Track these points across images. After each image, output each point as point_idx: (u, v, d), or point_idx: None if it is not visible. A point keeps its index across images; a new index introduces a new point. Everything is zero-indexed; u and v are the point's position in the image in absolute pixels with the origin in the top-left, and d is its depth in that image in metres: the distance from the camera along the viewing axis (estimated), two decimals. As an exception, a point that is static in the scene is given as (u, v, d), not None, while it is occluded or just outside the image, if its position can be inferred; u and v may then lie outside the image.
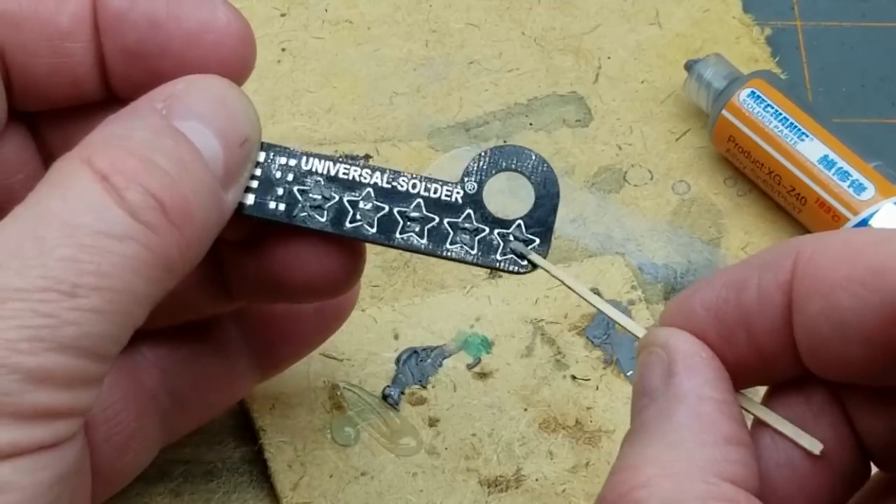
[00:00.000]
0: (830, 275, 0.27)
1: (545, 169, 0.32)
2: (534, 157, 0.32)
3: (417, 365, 0.41)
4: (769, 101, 0.46)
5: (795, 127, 0.45)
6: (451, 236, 0.31)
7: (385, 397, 0.40)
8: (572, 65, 0.51)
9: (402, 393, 0.40)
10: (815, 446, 0.28)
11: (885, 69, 0.51)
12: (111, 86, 0.32)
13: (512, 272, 0.31)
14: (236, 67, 0.31)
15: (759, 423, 0.29)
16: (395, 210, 0.31)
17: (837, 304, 0.27)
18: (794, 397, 0.29)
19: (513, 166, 0.32)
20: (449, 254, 0.31)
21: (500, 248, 0.31)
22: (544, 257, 0.31)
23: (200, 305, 0.35)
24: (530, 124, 0.49)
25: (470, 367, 0.41)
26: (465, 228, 0.32)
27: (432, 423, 0.40)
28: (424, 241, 0.31)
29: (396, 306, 0.42)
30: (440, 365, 0.41)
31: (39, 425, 0.26)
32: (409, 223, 0.31)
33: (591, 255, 0.45)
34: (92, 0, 0.31)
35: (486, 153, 0.32)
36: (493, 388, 0.40)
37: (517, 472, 0.39)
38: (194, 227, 0.28)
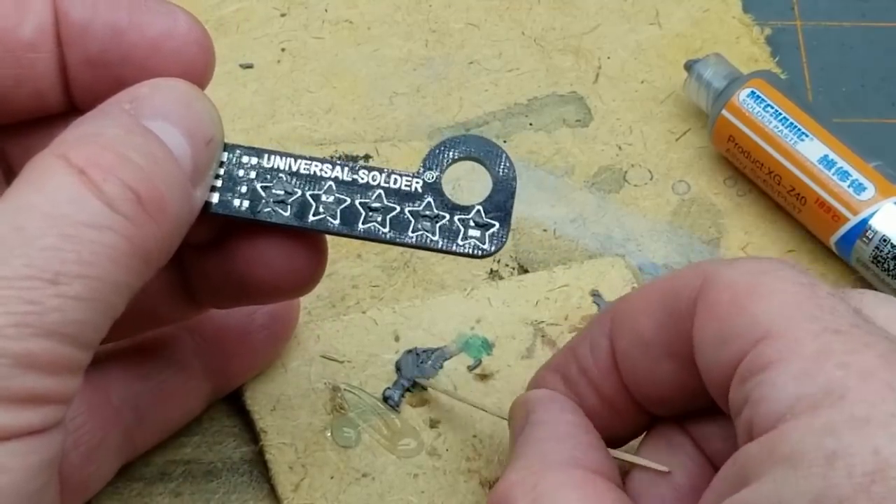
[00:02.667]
0: (633, 307, 0.32)
1: (501, 155, 0.33)
2: (490, 145, 0.33)
3: (418, 367, 0.41)
4: (769, 101, 0.46)
5: (795, 127, 0.45)
6: (412, 224, 0.32)
7: (386, 399, 0.40)
8: (572, 65, 0.51)
9: (403, 395, 0.40)
10: (662, 468, 0.33)
11: (885, 69, 0.51)
12: (73, 96, 0.32)
13: (472, 256, 0.32)
14: (197, 73, 0.31)
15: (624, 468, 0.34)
16: (357, 201, 0.32)
17: (639, 329, 0.32)
18: (656, 443, 0.34)
19: (470, 154, 0.33)
20: (411, 241, 0.32)
21: (461, 233, 0.32)
22: (504, 241, 0.33)
23: (165, 313, 0.36)
24: (530, 124, 0.49)
25: (470, 368, 0.41)
26: (425, 216, 0.32)
27: (433, 424, 0.40)
28: (386, 229, 0.32)
29: (397, 308, 0.42)
30: (441, 367, 0.41)
31: (28, 410, 0.26)
32: (371, 213, 0.32)
33: (591, 256, 0.45)
34: (54, 10, 0.31)
35: (443, 143, 0.33)
36: (494, 389, 0.40)
37: (518, 474, 0.39)
38: (169, 220, 0.29)
